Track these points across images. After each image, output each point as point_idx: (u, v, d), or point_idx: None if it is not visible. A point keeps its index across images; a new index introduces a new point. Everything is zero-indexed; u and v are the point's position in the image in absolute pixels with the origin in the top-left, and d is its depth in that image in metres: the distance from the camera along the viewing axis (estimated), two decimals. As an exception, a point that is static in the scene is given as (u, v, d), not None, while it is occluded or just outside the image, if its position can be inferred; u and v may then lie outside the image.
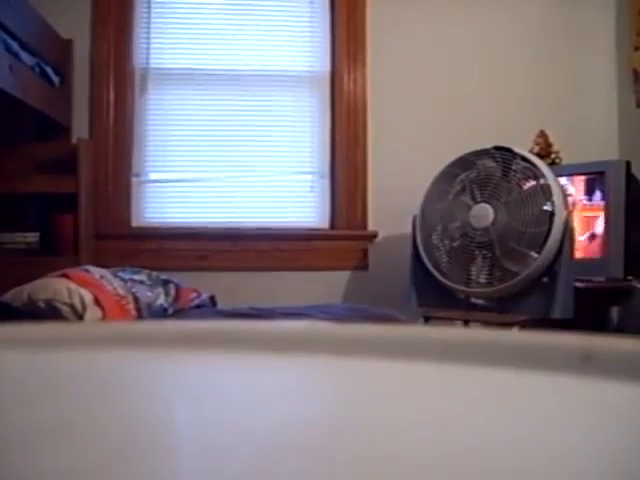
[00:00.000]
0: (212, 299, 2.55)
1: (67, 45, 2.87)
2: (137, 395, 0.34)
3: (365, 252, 3.07)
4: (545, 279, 2.39)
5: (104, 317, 1.95)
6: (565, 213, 2.37)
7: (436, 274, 2.54)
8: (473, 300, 2.54)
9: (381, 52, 3.11)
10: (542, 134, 2.96)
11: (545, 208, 2.36)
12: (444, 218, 2.55)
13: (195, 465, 0.24)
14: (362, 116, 3.08)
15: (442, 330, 0.40)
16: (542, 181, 2.39)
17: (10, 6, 2.18)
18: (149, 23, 3.03)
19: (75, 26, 2.91)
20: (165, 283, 2.34)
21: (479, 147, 2.53)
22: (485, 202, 2.46)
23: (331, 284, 3.02)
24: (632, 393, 0.32)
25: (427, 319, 2.51)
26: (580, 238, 2.60)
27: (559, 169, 2.66)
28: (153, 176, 3.05)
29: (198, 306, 2.43)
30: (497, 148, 2.49)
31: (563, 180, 2.58)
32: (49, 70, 2.59)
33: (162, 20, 3.05)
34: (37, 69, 2.46)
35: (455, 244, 2.52)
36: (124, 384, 0.36)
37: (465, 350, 0.38)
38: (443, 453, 0.25)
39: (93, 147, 2.86)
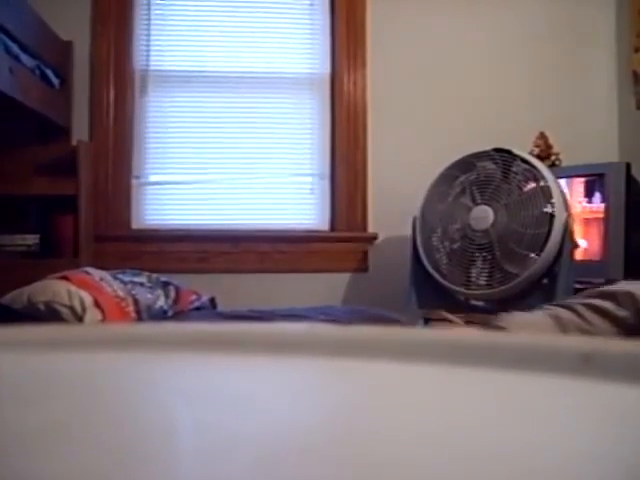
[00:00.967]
0: (212, 301, 2.55)
1: (67, 47, 2.88)
2: (136, 398, 0.34)
3: (365, 254, 3.07)
4: (545, 281, 2.39)
5: (104, 319, 1.95)
6: (565, 215, 2.37)
7: (436, 276, 2.54)
8: (473, 302, 2.54)
9: (381, 54, 3.11)
10: (542, 136, 2.97)
11: (545, 210, 2.36)
12: (444, 220, 2.55)
13: (194, 470, 0.24)
14: (362, 118, 3.08)
15: (442, 332, 0.40)
16: (542, 183, 2.39)
17: (10, 8, 2.18)
18: (149, 25, 3.03)
19: (75, 28, 2.91)
20: (165, 285, 2.34)
21: (479, 149, 2.53)
22: (485, 204, 2.46)
23: (331, 286, 3.02)
24: (632, 395, 0.32)
25: (427, 321, 2.51)
26: (580, 240, 2.60)
27: (559, 171, 2.66)
28: (153, 178, 3.05)
29: (198, 308, 2.43)
30: (497, 150, 2.49)
31: (563, 182, 2.58)
32: (49, 72, 2.59)
33: (162, 22, 3.06)
34: (37, 71, 2.46)
35: (455, 246, 2.52)
36: (124, 387, 0.36)
37: (465, 352, 0.38)
38: (444, 456, 0.25)
39: (93, 149, 2.86)
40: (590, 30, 3.25)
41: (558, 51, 3.21)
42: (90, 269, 2.21)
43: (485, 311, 2.48)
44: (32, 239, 2.64)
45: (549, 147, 2.94)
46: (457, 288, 2.50)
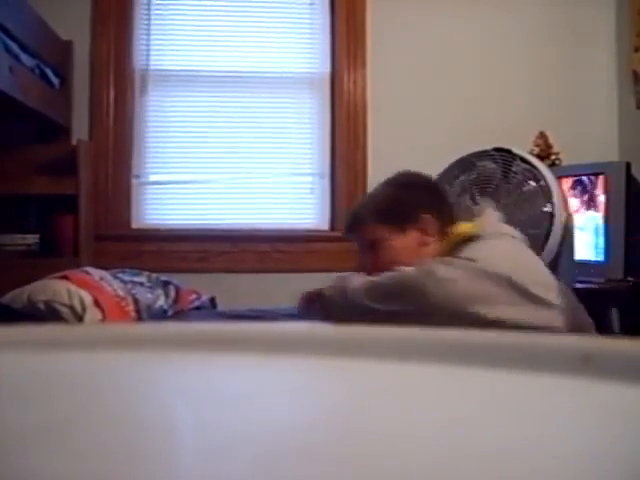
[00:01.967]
0: (212, 301, 2.55)
1: (67, 46, 2.87)
2: (136, 397, 0.34)
3: (365, 253, 3.06)
4: (545, 280, 2.38)
5: (104, 319, 1.95)
6: (565, 214, 2.37)
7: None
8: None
9: (381, 53, 3.11)
10: (542, 135, 2.96)
11: (545, 209, 2.36)
12: (444, 219, 2.54)
13: (194, 468, 0.24)
14: (362, 117, 3.08)
15: (442, 332, 0.40)
16: (542, 182, 2.39)
17: (10, 8, 2.18)
18: (149, 24, 3.03)
19: (75, 27, 2.91)
20: (165, 285, 2.34)
21: (479, 148, 2.53)
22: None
23: (331, 286, 3.01)
24: (632, 394, 0.32)
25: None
26: (580, 240, 2.60)
27: (559, 170, 2.66)
28: (153, 177, 3.05)
29: (198, 308, 2.43)
30: (497, 149, 2.49)
31: (563, 182, 2.58)
32: (49, 71, 2.59)
33: (162, 21, 3.06)
34: (37, 70, 2.46)
35: (455, 245, 2.51)
36: (123, 386, 0.36)
37: (465, 351, 0.38)
38: (443, 454, 0.25)
39: (93, 148, 2.86)
40: (590, 30, 3.25)
41: (558, 51, 3.21)
42: (90, 269, 2.20)
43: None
44: (32, 239, 2.64)
45: (549, 147, 2.94)
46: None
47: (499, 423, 0.29)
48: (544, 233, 2.34)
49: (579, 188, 2.71)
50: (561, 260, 2.35)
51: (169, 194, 3.05)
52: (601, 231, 2.61)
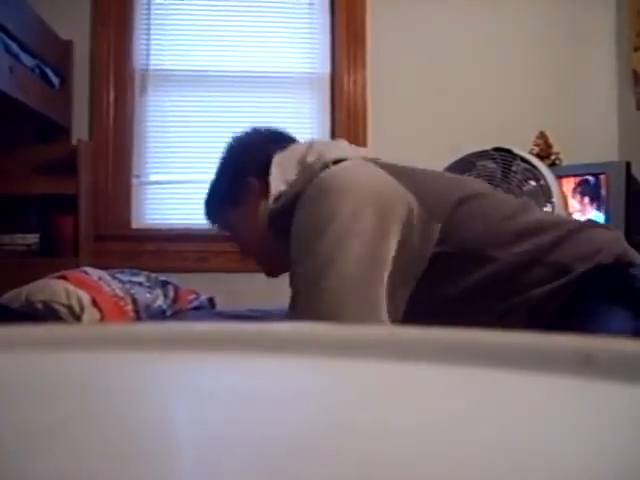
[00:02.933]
0: (211, 301, 2.55)
1: (67, 46, 2.88)
2: (135, 397, 0.34)
3: (365, 254, 3.06)
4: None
5: (102, 319, 1.95)
6: (565, 214, 2.37)
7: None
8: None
9: (381, 53, 3.11)
10: (542, 135, 2.97)
11: (545, 209, 2.36)
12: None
13: (194, 469, 0.24)
14: (362, 117, 3.08)
15: (441, 331, 0.40)
16: (542, 182, 2.39)
17: (10, 8, 2.18)
18: (149, 24, 3.03)
19: (75, 27, 2.91)
20: (164, 284, 2.34)
21: (479, 148, 2.53)
22: (485, 203, 2.46)
23: (331, 286, 3.01)
24: (632, 395, 0.32)
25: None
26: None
27: (559, 170, 2.66)
28: (153, 177, 3.06)
29: (197, 308, 2.43)
30: (497, 149, 2.49)
31: (563, 181, 2.58)
32: (49, 71, 2.59)
33: (162, 21, 3.06)
34: (37, 70, 2.46)
35: (455, 245, 2.51)
36: (122, 386, 0.36)
37: (464, 351, 0.38)
38: (443, 455, 0.25)
39: (93, 148, 2.86)
40: (590, 30, 3.25)
41: (558, 51, 3.21)
42: (88, 269, 2.20)
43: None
44: (32, 239, 2.64)
45: (549, 146, 2.94)
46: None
47: (498, 424, 0.29)
48: (544, 233, 2.34)
49: (579, 188, 2.71)
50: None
51: (169, 194, 3.05)
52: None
